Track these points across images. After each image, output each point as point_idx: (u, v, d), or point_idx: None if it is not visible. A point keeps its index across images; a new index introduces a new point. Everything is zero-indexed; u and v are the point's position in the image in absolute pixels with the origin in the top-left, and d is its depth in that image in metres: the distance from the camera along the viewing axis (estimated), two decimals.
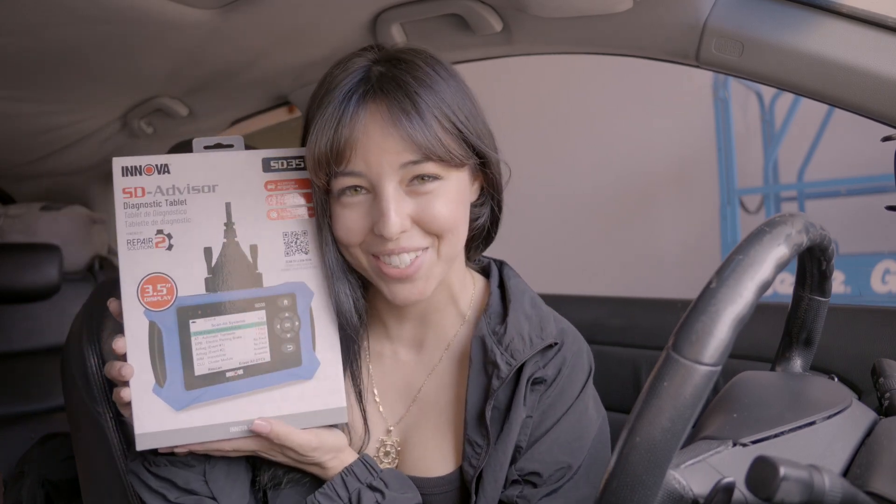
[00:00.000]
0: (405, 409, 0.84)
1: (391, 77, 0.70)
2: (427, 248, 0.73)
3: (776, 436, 0.53)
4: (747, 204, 3.53)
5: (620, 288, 1.46)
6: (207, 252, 0.70)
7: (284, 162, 0.75)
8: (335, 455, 0.75)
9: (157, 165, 0.71)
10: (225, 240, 0.70)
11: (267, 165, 0.74)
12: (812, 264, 0.65)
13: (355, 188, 0.71)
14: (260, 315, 0.70)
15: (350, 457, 0.77)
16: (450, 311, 0.84)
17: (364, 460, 0.77)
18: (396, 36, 1.24)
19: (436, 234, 0.72)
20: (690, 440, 0.55)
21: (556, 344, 0.80)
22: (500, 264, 0.88)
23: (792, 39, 0.94)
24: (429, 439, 0.82)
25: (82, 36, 1.20)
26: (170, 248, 0.70)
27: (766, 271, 0.47)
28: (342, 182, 0.71)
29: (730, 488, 0.47)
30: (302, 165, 0.74)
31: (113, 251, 2.45)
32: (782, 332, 0.72)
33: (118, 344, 0.70)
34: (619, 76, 3.29)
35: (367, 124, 0.69)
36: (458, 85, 0.74)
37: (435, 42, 1.27)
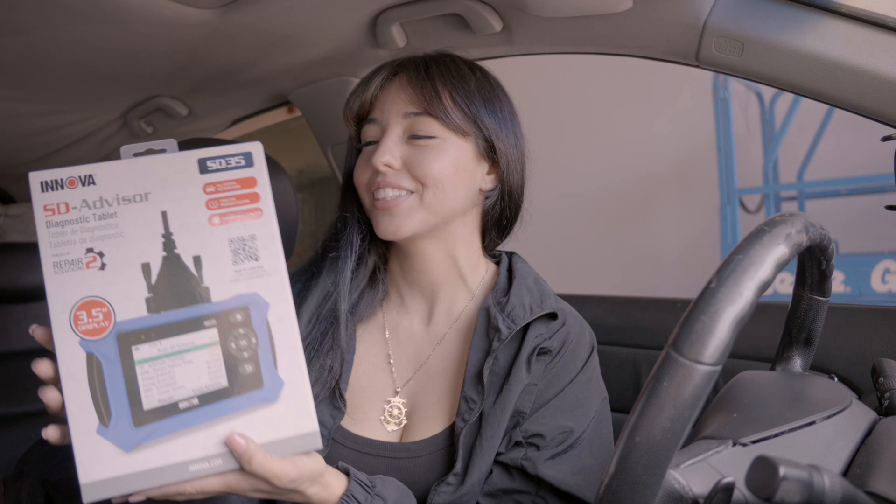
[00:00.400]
0: (412, 375, 0.90)
1: (424, 59, 0.87)
2: (411, 192, 0.83)
3: (776, 435, 0.53)
4: (747, 204, 3.54)
5: (620, 288, 1.46)
6: (146, 268, 0.63)
7: (223, 161, 0.66)
8: (315, 481, 0.68)
9: (80, 177, 0.63)
10: (164, 253, 0.63)
11: (204, 166, 0.66)
12: (812, 264, 0.65)
13: (370, 143, 0.86)
14: (211, 334, 0.63)
15: (334, 479, 0.71)
16: (458, 286, 0.91)
17: (359, 481, 0.73)
18: (396, 36, 1.24)
19: (420, 181, 0.82)
20: (690, 440, 0.55)
21: (555, 316, 0.86)
22: (511, 254, 0.97)
23: (792, 39, 0.94)
24: (432, 405, 0.87)
25: (82, 36, 1.20)
26: (102, 267, 0.62)
27: (766, 271, 0.47)
28: (365, 132, 0.87)
29: (730, 488, 0.47)
30: (243, 163, 0.66)
31: None
32: (782, 331, 0.72)
33: (40, 367, 0.62)
34: (619, 76, 3.29)
35: (387, 86, 0.87)
36: (491, 86, 0.89)
37: (435, 42, 1.27)
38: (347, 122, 0.91)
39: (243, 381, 0.62)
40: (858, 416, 0.62)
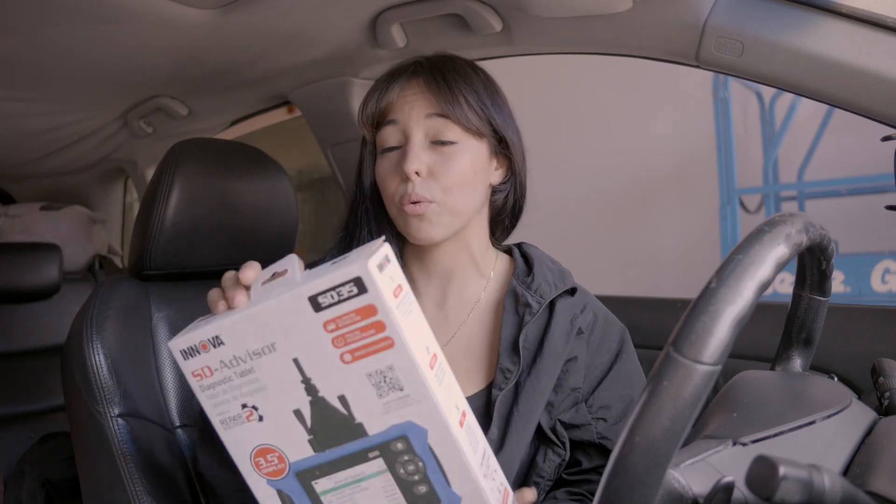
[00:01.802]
0: None
1: (433, 62, 0.90)
2: (433, 201, 0.86)
3: (776, 435, 0.53)
4: (747, 204, 3.53)
5: (620, 288, 1.46)
6: (298, 414, 0.64)
7: (334, 294, 0.60)
8: None
9: (209, 339, 0.63)
10: (310, 398, 0.63)
11: (317, 304, 0.60)
12: (812, 264, 0.65)
13: (393, 148, 0.88)
14: (378, 464, 0.64)
15: None
16: (472, 272, 0.95)
17: None
18: (396, 36, 1.24)
19: (445, 189, 0.86)
20: (690, 439, 0.55)
21: (574, 291, 0.93)
22: (520, 243, 1.02)
23: (792, 39, 0.94)
24: (459, 379, 0.86)
25: (82, 36, 1.20)
26: (260, 419, 0.64)
27: (766, 271, 0.47)
28: (384, 135, 0.88)
29: (729, 488, 0.47)
30: (356, 291, 0.59)
31: (113, 251, 2.45)
32: (782, 331, 0.72)
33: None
34: (619, 76, 3.29)
35: (406, 89, 0.88)
36: (490, 83, 0.92)
37: (435, 42, 1.27)
38: (363, 127, 0.91)
39: (421, 499, 0.64)
40: (858, 415, 0.62)
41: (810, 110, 3.23)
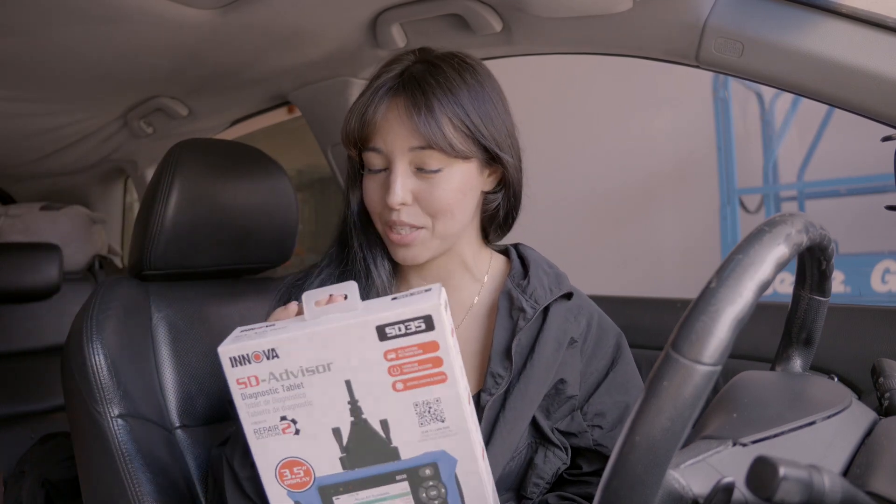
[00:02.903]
0: None
1: (418, 77, 0.84)
2: (423, 227, 0.85)
3: (776, 436, 0.53)
4: (747, 204, 3.53)
5: (620, 288, 1.46)
6: (336, 433, 0.67)
7: (402, 327, 0.64)
8: None
9: (264, 352, 0.65)
10: (352, 419, 0.66)
11: (383, 334, 0.64)
12: (812, 264, 0.65)
13: (379, 170, 0.86)
14: (403, 486, 0.67)
15: None
16: (465, 277, 0.94)
17: None
18: (396, 36, 1.24)
19: (431, 215, 0.85)
20: (690, 440, 0.55)
21: (570, 296, 0.92)
22: (517, 244, 1.00)
23: (792, 39, 0.94)
24: None
25: (82, 36, 1.20)
26: (297, 432, 0.67)
27: (766, 271, 0.47)
28: (369, 158, 0.86)
29: (729, 488, 0.47)
30: (423, 328, 0.64)
31: (113, 251, 2.45)
32: (782, 331, 0.72)
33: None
34: (619, 76, 3.29)
35: (388, 112, 0.84)
36: (483, 91, 0.86)
37: (435, 42, 1.26)
38: (348, 147, 0.89)
39: None
40: (858, 416, 0.62)
41: (810, 110, 3.23)
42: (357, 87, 1.47)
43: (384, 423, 0.66)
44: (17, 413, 1.96)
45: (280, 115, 1.88)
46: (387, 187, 0.84)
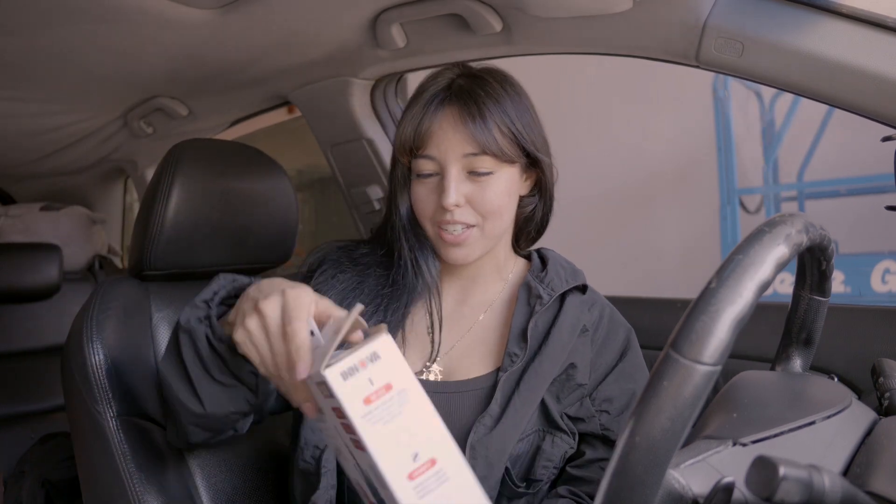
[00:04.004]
0: (450, 346, 0.98)
1: (467, 88, 0.91)
2: (474, 225, 0.91)
3: (776, 435, 0.53)
4: (747, 204, 3.54)
5: (620, 288, 1.46)
6: None
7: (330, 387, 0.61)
8: None
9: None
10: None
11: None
12: (812, 264, 0.65)
13: (430, 175, 0.91)
14: None
15: None
16: (494, 277, 1.01)
17: None
18: (396, 36, 1.24)
19: (483, 215, 0.91)
20: (690, 440, 0.55)
21: (586, 289, 0.99)
22: (539, 248, 1.08)
23: (792, 39, 0.94)
24: (471, 365, 0.96)
25: (82, 36, 1.20)
26: None
27: (766, 271, 0.47)
28: (420, 164, 0.91)
29: (729, 488, 0.47)
30: (328, 393, 0.60)
31: (113, 251, 2.45)
32: (782, 332, 0.72)
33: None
34: (619, 76, 3.29)
35: (442, 121, 0.90)
36: (521, 100, 0.94)
37: (435, 42, 1.27)
38: (401, 155, 0.94)
39: None
40: (858, 416, 0.62)
41: (810, 110, 3.22)
42: (357, 86, 1.47)
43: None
44: (17, 413, 1.96)
45: (280, 115, 1.89)
46: (439, 191, 0.90)
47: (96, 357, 0.96)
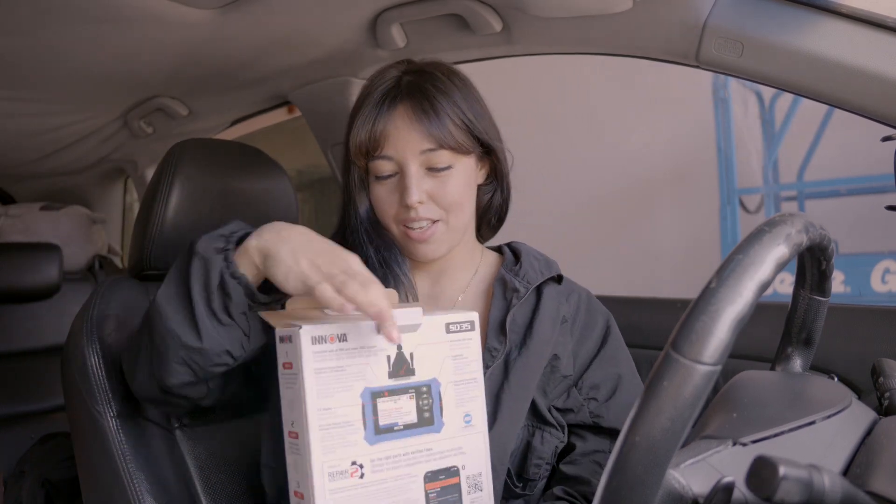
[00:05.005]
0: None
1: (416, 85, 0.91)
2: (438, 220, 0.91)
3: (776, 435, 0.53)
4: (747, 204, 3.54)
5: (620, 288, 1.46)
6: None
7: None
8: None
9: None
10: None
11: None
12: (812, 264, 0.65)
13: (389, 175, 0.91)
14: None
15: None
16: (459, 268, 1.00)
17: None
18: (396, 36, 1.24)
19: (446, 209, 0.91)
20: (690, 440, 0.55)
21: (561, 279, 0.99)
22: (509, 242, 1.06)
23: (792, 39, 0.94)
24: None
25: (82, 36, 1.20)
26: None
27: (766, 271, 0.47)
28: (377, 166, 0.91)
29: (729, 488, 0.47)
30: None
31: (113, 251, 2.45)
32: (782, 331, 0.72)
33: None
34: (618, 76, 3.29)
35: (396, 121, 0.89)
36: (469, 90, 0.94)
37: (435, 42, 1.27)
38: (356, 158, 0.93)
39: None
40: (858, 415, 0.62)
41: (810, 110, 3.22)
42: (357, 86, 1.47)
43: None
44: (17, 413, 1.96)
45: (280, 115, 1.88)
46: (400, 190, 0.89)
47: (96, 357, 0.96)
